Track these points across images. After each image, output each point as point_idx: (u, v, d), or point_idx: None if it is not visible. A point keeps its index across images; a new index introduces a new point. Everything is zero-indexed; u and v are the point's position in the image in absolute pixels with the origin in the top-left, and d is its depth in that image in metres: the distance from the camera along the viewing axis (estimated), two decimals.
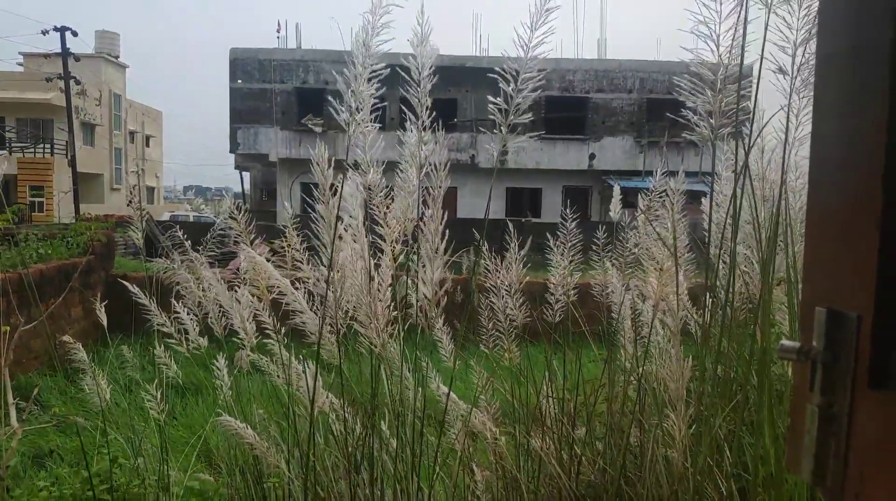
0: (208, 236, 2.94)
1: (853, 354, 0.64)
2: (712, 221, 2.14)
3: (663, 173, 2.20)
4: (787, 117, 1.74)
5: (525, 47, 1.66)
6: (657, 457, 1.91)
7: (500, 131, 1.76)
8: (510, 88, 1.70)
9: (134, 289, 2.72)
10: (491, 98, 1.78)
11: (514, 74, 1.69)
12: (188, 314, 2.69)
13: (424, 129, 1.87)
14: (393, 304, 1.99)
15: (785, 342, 0.70)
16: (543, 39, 1.65)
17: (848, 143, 0.70)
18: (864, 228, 0.64)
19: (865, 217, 0.63)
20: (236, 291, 2.48)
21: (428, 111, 1.85)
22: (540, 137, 25.33)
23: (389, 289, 1.96)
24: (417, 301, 1.93)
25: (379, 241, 1.98)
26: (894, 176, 0.61)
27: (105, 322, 3.05)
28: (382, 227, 1.95)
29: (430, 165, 1.92)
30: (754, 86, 1.74)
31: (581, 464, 2.29)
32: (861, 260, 0.64)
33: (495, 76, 1.76)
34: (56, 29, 26.00)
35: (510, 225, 2.42)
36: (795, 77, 1.67)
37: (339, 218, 1.93)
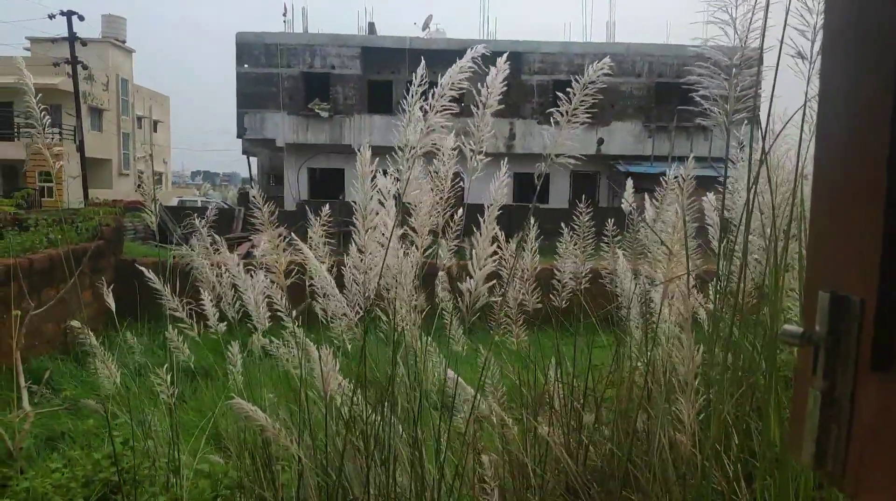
0: (203, 220, 2.92)
1: (856, 338, 0.64)
2: (724, 207, 2.13)
3: (673, 159, 2.19)
4: (805, 103, 1.70)
5: None
6: (664, 442, 1.92)
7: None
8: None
9: (150, 275, 2.74)
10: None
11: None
12: (206, 299, 2.72)
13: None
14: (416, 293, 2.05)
15: (787, 326, 0.70)
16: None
17: (853, 124, 0.69)
18: (868, 211, 0.63)
19: (870, 200, 0.63)
20: (252, 275, 2.50)
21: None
22: (548, 121, 25.23)
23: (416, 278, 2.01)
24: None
25: (410, 232, 2.02)
26: None
27: (114, 307, 3.08)
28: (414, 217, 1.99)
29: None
30: (773, 71, 1.70)
31: (588, 449, 2.30)
32: (865, 244, 0.63)
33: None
34: (63, 13, 25.96)
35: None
36: (815, 61, 1.63)
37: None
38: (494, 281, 2.07)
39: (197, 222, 2.79)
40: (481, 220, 1.96)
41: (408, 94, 1.84)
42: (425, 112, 1.81)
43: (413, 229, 2.01)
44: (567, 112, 1.74)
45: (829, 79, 0.74)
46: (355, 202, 1.96)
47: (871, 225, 0.62)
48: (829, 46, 0.75)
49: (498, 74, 1.79)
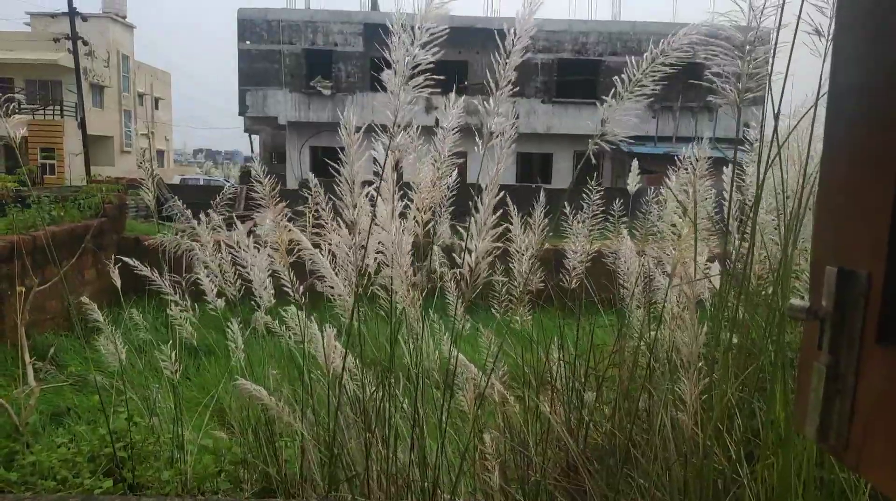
0: (218, 198, 2.93)
1: (862, 312, 0.64)
2: (733, 188, 2.11)
3: (677, 139, 2.16)
4: (820, 81, 1.67)
5: None
6: (665, 422, 1.92)
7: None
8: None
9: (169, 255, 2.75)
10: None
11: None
12: (203, 277, 2.72)
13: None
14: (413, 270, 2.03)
15: (794, 301, 0.70)
16: None
17: (864, 96, 0.68)
18: (876, 185, 0.63)
19: (879, 175, 0.62)
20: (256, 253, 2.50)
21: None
22: (552, 100, 25.03)
23: (410, 255, 1.99)
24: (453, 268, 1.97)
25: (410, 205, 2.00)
26: None
27: (119, 284, 3.08)
28: (415, 193, 1.97)
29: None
30: (789, 47, 1.66)
31: (589, 428, 2.31)
32: (872, 218, 0.63)
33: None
34: None
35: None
36: (832, 39, 1.59)
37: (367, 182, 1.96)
38: (494, 256, 2.04)
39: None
40: (484, 189, 1.94)
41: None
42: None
43: (411, 201, 1.99)
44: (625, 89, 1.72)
45: (841, 50, 0.73)
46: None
47: (880, 200, 0.62)
48: (842, 16, 0.74)
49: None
